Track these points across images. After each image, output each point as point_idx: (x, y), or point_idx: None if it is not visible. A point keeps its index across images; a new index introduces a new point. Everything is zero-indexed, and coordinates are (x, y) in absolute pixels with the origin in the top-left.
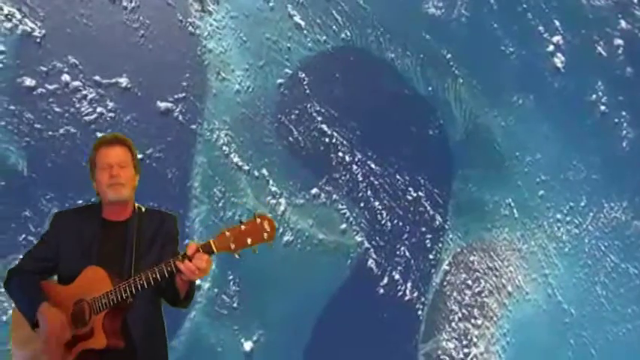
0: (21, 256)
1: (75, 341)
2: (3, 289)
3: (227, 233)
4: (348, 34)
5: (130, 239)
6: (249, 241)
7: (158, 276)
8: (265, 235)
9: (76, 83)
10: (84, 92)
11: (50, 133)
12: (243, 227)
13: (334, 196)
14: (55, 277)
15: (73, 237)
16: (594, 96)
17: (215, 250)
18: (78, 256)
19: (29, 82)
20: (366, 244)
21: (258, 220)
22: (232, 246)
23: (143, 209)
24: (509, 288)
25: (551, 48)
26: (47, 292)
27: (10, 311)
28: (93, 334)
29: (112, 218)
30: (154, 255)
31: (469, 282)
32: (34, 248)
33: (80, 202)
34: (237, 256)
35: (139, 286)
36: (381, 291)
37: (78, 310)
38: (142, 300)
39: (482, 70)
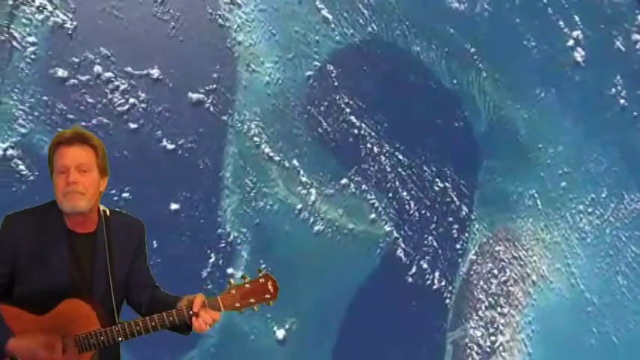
0: None
1: None
2: None
3: (233, 291)
4: (375, 27)
5: (102, 254)
6: (252, 300)
7: (158, 325)
8: (267, 296)
9: (108, 74)
10: (116, 83)
11: (83, 123)
12: (247, 286)
13: (363, 187)
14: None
15: (33, 250)
16: (613, 90)
17: (222, 308)
18: (44, 274)
19: (61, 73)
20: (395, 234)
21: (262, 280)
22: (237, 305)
23: (108, 212)
24: (534, 277)
25: (571, 42)
26: (11, 321)
27: None
28: None
29: (77, 230)
30: (126, 267)
31: (495, 271)
32: None
33: (113, 191)
34: (241, 312)
35: (135, 333)
36: (410, 280)
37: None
38: None
39: (504, 64)
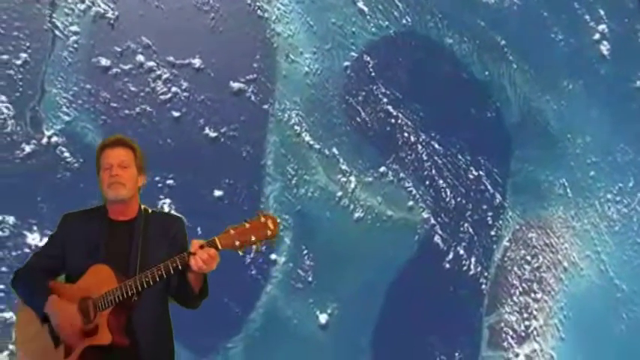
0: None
1: (81, 336)
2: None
3: (232, 231)
4: (409, 19)
5: (136, 239)
6: (252, 238)
7: (163, 272)
8: (269, 232)
9: (151, 63)
10: (158, 72)
11: (127, 111)
12: (247, 225)
13: (401, 175)
14: (63, 277)
15: (79, 236)
16: (638, 82)
17: (220, 246)
18: (84, 255)
19: (104, 62)
20: (432, 221)
21: (263, 219)
22: (237, 243)
23: (150, 211)
24: (565, 264)
25: (597, 36)
26: (54, 289)
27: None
28: (97, 330)
29: (117, 218)
30: (160, 256)
31: (528, 258)
32: (42, 248)
33: (157, 179)
34: (241, 253)
35: (145, 284)
36: (447, 266)
37: (84, 307)
38: (148, 300)
39: (534, 57)
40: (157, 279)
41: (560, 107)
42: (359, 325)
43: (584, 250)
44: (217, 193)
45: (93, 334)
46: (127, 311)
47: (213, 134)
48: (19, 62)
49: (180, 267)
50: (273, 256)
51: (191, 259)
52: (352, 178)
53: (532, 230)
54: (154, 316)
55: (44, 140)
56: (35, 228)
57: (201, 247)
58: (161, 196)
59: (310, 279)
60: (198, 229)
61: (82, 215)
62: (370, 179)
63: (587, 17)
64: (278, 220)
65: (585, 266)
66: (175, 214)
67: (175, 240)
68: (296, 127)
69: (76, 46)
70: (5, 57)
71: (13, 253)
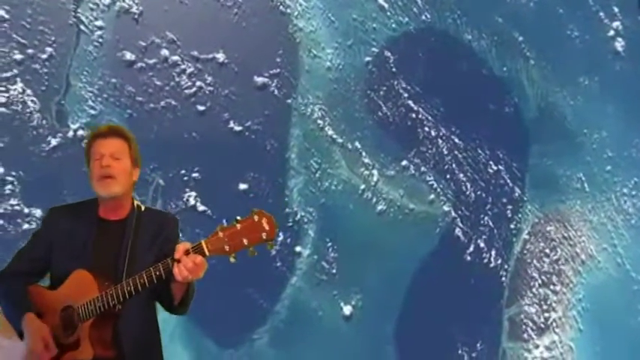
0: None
1: (62, 351)
2: None
3: (221, 234)
4: (428, 16)
5: (126, 241)
6: (245, 241)
7: (146, 281)
8: (264, 234)
9: (175, 58)
10: (182, 67)
11: (152, 105)
12: (239, 226)
13: (422, 168)
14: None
15: (66, 236)
16: None
17: (207, 252)
18: (70, 258)
19: (129, 56)
20: (453, 214)
21: (256, 218)
22: (226, 248)
23: (143, 208)
24: (583, 257)
25: (611, 33)
26: (34, 297)
27: None
28: (79, 344)
29: (108, 217)
30: (151, 259)
31: (547, 250)
32: (25, 248)
33: (183, 172)
34: (232, 259)
35: (127, 293)
36: (468, 258)
37: (65, 318)
38: (134, 307)
39: (550, 53)
40: (140, 288)
41: (577, 103)
42: (382, 316)
43: (601, 243)
44: (242, 186)
45: (74, 348)
46: (112, 321)
47: (237, 128)
48: (44, 56)
49: (164, 276)
50: (297, 249)
51: (175, 266)
52: (374, 172)
53: (550, 223)
54: (141, 325)
55: (70, 134)
56: None
57: (187, 252)
58: (187, 190)
59: (334, 271)
60: (224, 221)
61: (70, 211)
62: (392, 173)
63: (601, 14)
64: (274, 220)
65: (602, 259)
66: (169, 213)
67: (166, 242)
68: (319, 122)
69: (100, 40)
70: (31, 51)
71: None
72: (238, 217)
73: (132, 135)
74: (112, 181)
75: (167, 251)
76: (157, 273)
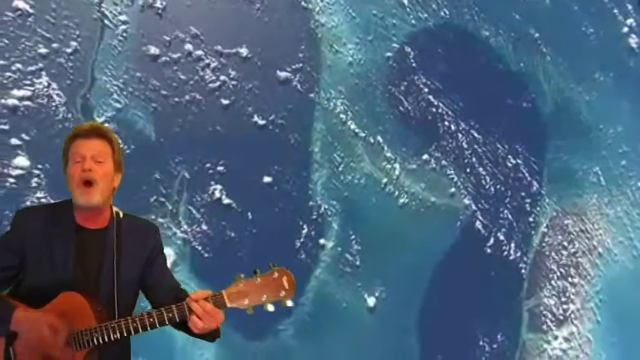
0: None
1: None
2: None
3: (241, 285)
4: (447, 12)
5: (110, 252)
6: (264, 298)
7: (156, 322)
8: (282, 292)
9: (199, 52)
10: (206, 61)
11: (176, 99)
12: (259, 280)
13: (443, 162)
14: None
15: (41, 243)
16: None
17: (228, 304)
18: (48, 269)
19: (153, 50)
20: (473, 207)
21: (276, 275)
22: (246, 302)
23: (121, 215)
24: (600, 249)
25: (625, 30)
26: None
27: None
28: None
29: (86, 225)
30: (135, 272)
31: (565, 243)
32: None
33: (208, 165)
34: (249, 312)
35: (132, 330)
36: (488, 251)
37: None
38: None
39: (565, 49)
40: (148, 327)
41: (592, 98)
42: (405, 308)
43: (617, 236)
44: (267, 179)
45: None
46: (100, 350)
47: (261, 122)
48: (69, 50)
49: (177, 319)
50: (321, 241)
51: (192, 316)
52: (396, 165)
53: (568, 217)
54: (121, 347)
55: None
56: None
57: (206, 299)
58: (212, 182)
59: (358, 263)
60: (249, 214)
61: (43, 215)
62: (414, 166)
63: (615, 11)
64: (294, 279)
65: (619, 252)
66: (150, 221)
67: (153, 255)
68: (342, 116)
69: (125, 35)
70: (55, 45)
71: None
72: (257, 270)
73: (115, 136)
74: (93, 189)
75: (157, 261)
76: (170, 315)
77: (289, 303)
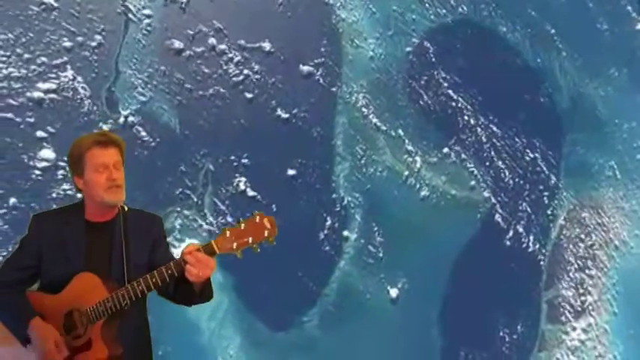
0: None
1: (73, 353)
2: None
3: (228, 233)
4: (464, 8)
5: (118, 241)
6: (250, 240)
7: (158, 280)
8: (266, 232)
9: (222, 46)
10: (230, 55)
11: (200, 92)
12: (243, 226)
13: (462, 156)
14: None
15: (54, 241)
16: None
17: (217, 250)
18: (61, 262)
19: (177, 44)
20: (493, 200)
21: (258, 219)
22: (234, 245)
23: (126, 209)
24: (616, 242)
25: (639, 26)
26: (33, 303)
27: None
28: (91, 345)
29: (95, 219)
30: (144, 257)
31: (582, 236)
32: (13, 256)
33: (233, 157)
34: (239, 255)
35: (139, 292)
36: (508, 243)
37: (70, 322)
38: (131, 308)
39: (581, 45)
40: (152, 287)
41: (607, 94)
42: (427, 299)
43: (633, 229)
44: (291, 172)
45: (86, 349)
46: (118, 320)
47: (284, 115)
48: (93, 44)
49: (176, 274)
50: (345, 233)
51: (187, 266)
52: (417, 159)
53: (585, 210)
54: (137, 321)
55: (121, 120)
56: None
57: (198, 250)
58: (236, 175)
59: (381, 255)
60: (273, 206)
61: (55, 217)
62: (434, 160)
63: (629, 8)
64: (275, 220)
65: (635, 245)
66: (153, 212)
67: (158, 241)
68: (363, 109)
69: (149, 29)
70: (80, 39)
71: None
72: (241, 219)
73: (122, 141)
74: (120, 190)
75: (160, 248)
76: (169, 272)
77: (273, 241)
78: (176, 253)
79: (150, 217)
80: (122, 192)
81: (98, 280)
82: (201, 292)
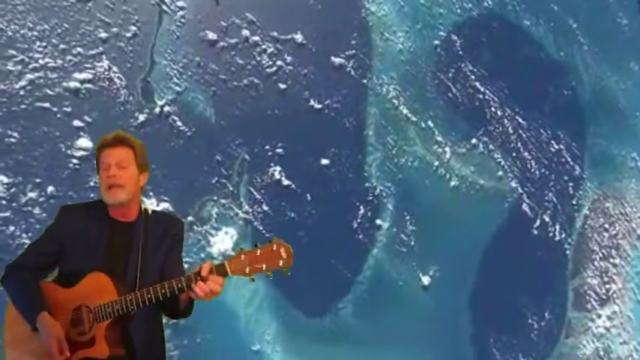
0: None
1: (75, 348)
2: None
3: (243, 256)
4: (490, 2)
5: (137, 241)
6: (263, 266)
7: (167, 291)
8: (281, 262)
9: (255, 38)
10: (263, 47)
11: (235, 83)
12: (259, 252)
13: (490, 146)
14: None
15: (79, 234)
16: None
17: (230, 273)
18: (83, 255)
19: (211, 35)
20: (520, 190)
21: (275, 247)
22: (247, 270)
23: (150, 211)
24: (639, 232)
25: None
26: (46, 293)
27: None
28: (94, 342)
29: (118, 218)
30: (160, 258)
31: (606, 225)
32: (38, 242)
33: (267, 147)
34: (251, 280)
35: (147, 301)
36: (535, 232)
37: (78, 317)
38: (144, 308)
39: (602, 39)
40: (160, 297)
41: (628, 87)
42: (458, 286)
43: None
44: (324, 161)
45: (88, 345)
46: (123, 322)
47: (317, 106)
48: (128, 35)
49: (185, 289)
50: (378, 221)
51: (198, 284)
52: (447, 149)
53: (609, 200)
54: (149, 324)
55: (157, 110)
56: (151, 194)
57: (211, 271)
58: (271, 164)
59: (413, 243)
60: (308, 195)
61: (83, 210)
62: (463, 150)
63: None
64: (292, 250)
65: None
66: (176, 216)
67: (173, 243)
68: (394, 101)
69: (183, 20)
70: (115, 30)
71: None
72: (258, 244)
73: (138, 141)
74: (118, 189)
75: (174, 250)
76: (179, 285)
77: (288, 272)
78: (213, 241)
79: (172, 219)
80: (121, 192)
81: (109, 280)
82: (185, 309)
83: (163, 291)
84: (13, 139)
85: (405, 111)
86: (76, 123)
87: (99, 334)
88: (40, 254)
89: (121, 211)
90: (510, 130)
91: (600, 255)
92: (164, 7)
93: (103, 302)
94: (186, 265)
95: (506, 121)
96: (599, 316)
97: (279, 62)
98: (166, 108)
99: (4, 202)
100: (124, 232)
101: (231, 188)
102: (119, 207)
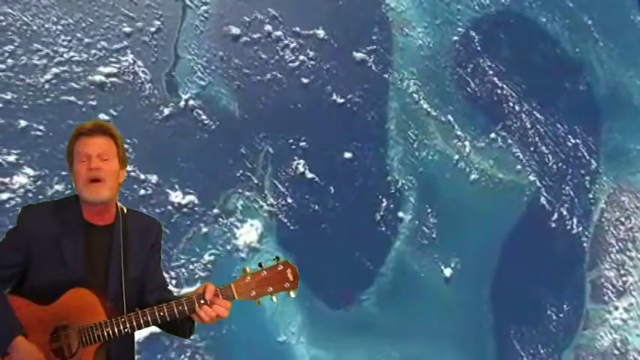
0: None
1: None
2: None
3: (248, 278)
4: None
5: (117, 248)
6: (270, 289)
7: (167, 315)
8: (287, 284)
9: (278, 33)
10: (286, 42)
11: (258, 77)
12: (264, 273)
13: (509, 141)
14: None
15: (49, 241)
16: None
17: (236, 296)
18: (55, 266)
19: (234, 30)
20: (538, 184)
21: (281, 267)
22: (253, 293)
23: (125, 210)
24: None
25: None
26: (18, 311)
27: None
28: None
29: (95, 222)
30: (141, 266)
31: (622, 219)
32: None
33: (291, 141)
34: (257, 303)
35: (142, 323)
36: (553, 225)
37: (59, 340)
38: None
39: (616, 36)
40: (159, 320)
41: None
42: (479, 278)
43: None
44: (347, 155)
45: None
46: (109, 344)
47: (340, 100)
48: (152, 29)
49: (187, 312)
50: (400, 214)
51: (202, 307)
52: (467, 143)
53: (624, 194)
54: (128, 342)
55: (181, 103)
56: (177, 187)
57: (216, 294)
58: (295, 157)
59: (434, 235)
60: (331, 188)
61: (50, 211)
62: (482, 144)
63: None
64: (297, 271)
65: None
66: (152, 217)
67: (154, 250)
68: (414, 95)
69: (206, 15)
70: (139, 24)
71: (157, 210)
72: (261, 263)
73: (118, 132)
74: (101, 185)
75: (155, 258)
76: (180, 308)
77: (292, 294)
78: (238, 233)
79: (150, 222)
80: (103, 188)
81: (96, 299)
82: (190, 329)
83: (162, 313)
84: (39, 132)
85: (425, 105)
86: (102, 116)
87: (86, 358)
88: (3, 266)
89: (98, 212)
90: (528, 125)
91: (617, 248)
92: (187, 2)
93: (91, 324)
94: (212, 257)
95: (524, 115)
96: (616, 308)
97: (301, 57)
98: (191, 102)
99: (30, 194)
100: (101, 238)
101: (255, 181)
102: (98, 206)
